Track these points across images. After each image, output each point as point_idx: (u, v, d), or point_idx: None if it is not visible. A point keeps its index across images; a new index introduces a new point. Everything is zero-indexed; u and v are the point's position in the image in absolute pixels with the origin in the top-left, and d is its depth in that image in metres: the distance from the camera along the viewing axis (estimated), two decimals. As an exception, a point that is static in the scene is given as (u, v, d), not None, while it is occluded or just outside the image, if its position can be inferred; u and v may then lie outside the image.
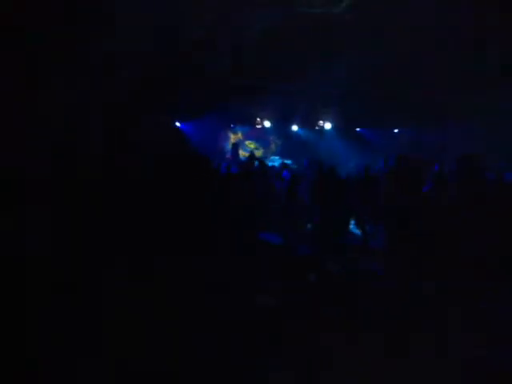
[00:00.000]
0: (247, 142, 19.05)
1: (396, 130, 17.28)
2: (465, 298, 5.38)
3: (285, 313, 5.30)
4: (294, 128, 17.51)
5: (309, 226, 10.60)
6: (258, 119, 17.26)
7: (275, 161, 16.33)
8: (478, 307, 5.19)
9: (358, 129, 18.05)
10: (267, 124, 17.20)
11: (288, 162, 15.42)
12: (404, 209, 6.75)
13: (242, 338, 4.60)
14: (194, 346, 4.44)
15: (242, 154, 18.05)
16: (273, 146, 19.22)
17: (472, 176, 6.41)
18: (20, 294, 4.96)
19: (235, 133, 18.95)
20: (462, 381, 3.95)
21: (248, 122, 17.79)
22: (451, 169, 7.77)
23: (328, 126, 17.09)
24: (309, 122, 17.09)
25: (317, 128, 17.44)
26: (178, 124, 16.57)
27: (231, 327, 4.81)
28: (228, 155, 18.12)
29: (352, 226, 10.18)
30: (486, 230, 5.84)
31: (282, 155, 17.87)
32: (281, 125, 17.58)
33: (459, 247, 5.95)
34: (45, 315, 4.74)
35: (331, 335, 4.61)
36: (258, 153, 18.24)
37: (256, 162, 11.01)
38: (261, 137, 19.00)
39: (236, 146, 18.18)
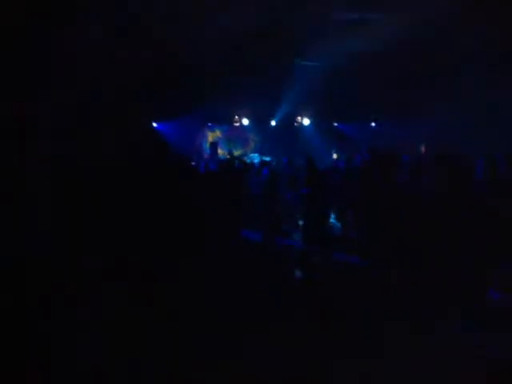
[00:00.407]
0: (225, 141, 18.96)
1: (373, 124, 17.32)
2: (442, 288, 5.40)
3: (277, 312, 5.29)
4: (273, 123, 17.47)
5: (291, 221, 10.64)
6: (236, 117, 17.20)
7: (255, 158, 16.24)
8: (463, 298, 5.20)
9: (335, 124, 18.07)
10: (245, 122, 17.14)
11: (267, 158, 15.38)
12: (380, 200, 6.75)
13: (242, 338, 4.58)
14: (194, 346, 4.43)
15: (221, 152, 17.96)
16: (252, 144, 19.15)
17: (450, 173, 6.42)
18: (20, 292, 4.96)
19: (213, 131, 18.83)
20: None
21: (226, 120, 17.72)
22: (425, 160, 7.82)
23: (306, 121, 17.12)
24: (287, 118, 17.10)
25: (295, 124, 17.45)
26: (154, 125, 16.48)
27: (230, 328, 4.78)
28: (206, 154, 18.01)
29: (332, 218, 10.21)
30: (465, 221, 5.84)
31: (262, 152, 17.79)
32: (259, 122, 17.55)
33: (439, 237, 5.94)
34: (44, 315, 4.75)
35: (327, 333, 4.60)
36: (238, 151, 18.15)
37: (236, 162, 11.00)
38: (239, 135, 18.91)
39: (214, 145, 18.08)
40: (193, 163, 13.42)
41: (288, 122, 17.37)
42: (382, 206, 6.71)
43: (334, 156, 17.17)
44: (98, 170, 6.93)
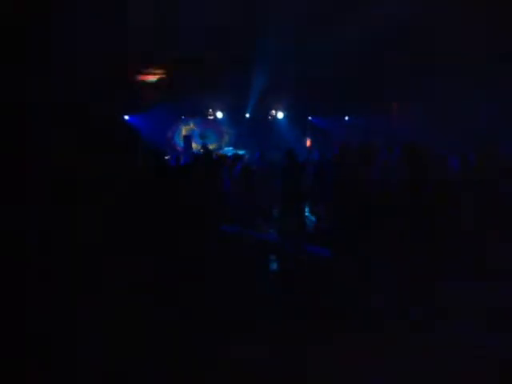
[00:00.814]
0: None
1: (347, 118, 17.48)
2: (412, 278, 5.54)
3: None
4: (247, 116, 17.45)
5: (266, 214, 10.72)
6: (210, 110, 17.13)
7: (229, 152, 16.18)
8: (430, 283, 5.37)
9: (309, 117, 18.15)
10: (219, 115, 17.10)
11: (242, 152, 15.35)
12: (348, 195, 6.85)
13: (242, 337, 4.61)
14: (193, 345, 4.44)
15: (195, 146, 17.83)
16: (226, 137, 19.07)
17: (413, 162, 6.55)
18: (20, 292, 4.91)
19: (187, 124, 18.67)
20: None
21: (200, 113, 17.62)
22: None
23: (280, 115, 17.17)
24: (261, 112, 17.11)
25: (269, 118, 17.47)
26: (126, 117, 16.31)
27: (230, 326, 4.81)
28: (179, 148, 17.87)
29: (307, 212, 10.33)
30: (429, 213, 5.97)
31: (236, 146, 17.75)
32: (234, 115, 17.50)
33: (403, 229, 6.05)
34: (44, 315, 4.68)
35: (326, 331, 4.64)
36: (212, 145, 18.05)
37: (214, 155, 10.99)
38: (214, 128, 18.80)
39: (188, 139, 17.93)
40: (166, 157, 13.32)
41: (262, 116, 17.36)
42: (350, 202, 6.80)
43: (308, 143, 17.34)
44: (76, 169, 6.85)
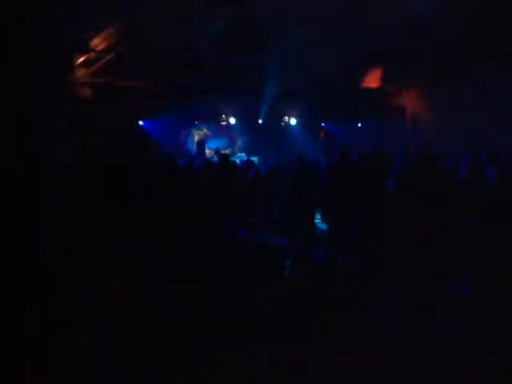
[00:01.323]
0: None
1: (359, 125, 17.40)
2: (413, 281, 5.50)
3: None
4: (260, 122, 17.43)
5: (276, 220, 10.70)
6: (223, 116, 17.16)
7: (242, 158, 16.21)
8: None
9: (322, 124, 18.11)
10: (232, 121, 17.12)
11: (254, 158, 15.35)
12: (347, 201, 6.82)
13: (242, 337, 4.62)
14: (194, 345, 4.45)
15: (208, 152, 17.88)
16: (239, 143, 19.07)
17: (425, 168, 6.50)
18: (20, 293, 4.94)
19: (200, 130, 18.71)
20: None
21: (213, 119, 17.65)
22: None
23: (293, 121, 17.15)
24: (274, 118, 17.09)
25: (282, 124, 17.45)
26: (140, 123, 16.41)
27: (230, 326, 4.82)
28: (193, 153, 17.90)
29: (318, 219, 10.29)
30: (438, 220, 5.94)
31: (249, 152, 17.75)
32: (246, 121, 17.51)
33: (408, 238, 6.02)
34: (45, 315, 4.72)
35: (326, 332, 4.64)
36: (225, 151, 18.06)
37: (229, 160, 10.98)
38: (226, 133, 18.82)
39: (202, 144, 17.98)
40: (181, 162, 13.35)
41: (275, 122, 17.34)
42: (350, 204, 6.78)
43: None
44: (88, 170, 6.89)
